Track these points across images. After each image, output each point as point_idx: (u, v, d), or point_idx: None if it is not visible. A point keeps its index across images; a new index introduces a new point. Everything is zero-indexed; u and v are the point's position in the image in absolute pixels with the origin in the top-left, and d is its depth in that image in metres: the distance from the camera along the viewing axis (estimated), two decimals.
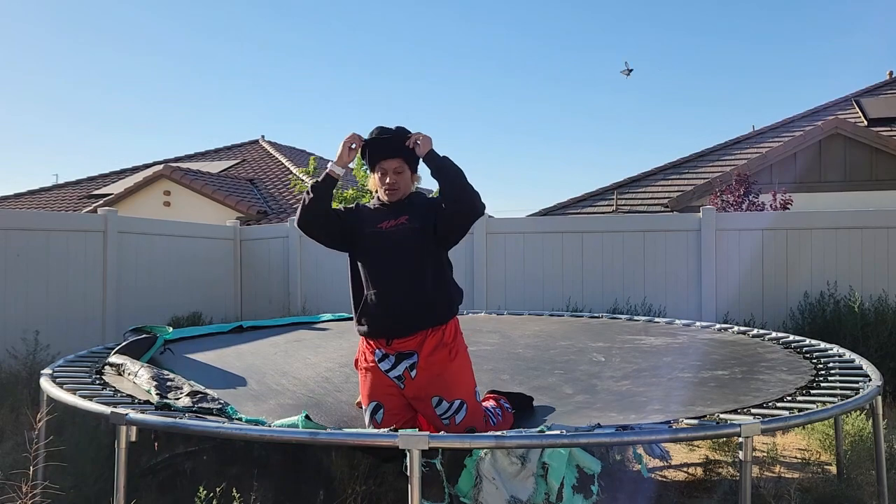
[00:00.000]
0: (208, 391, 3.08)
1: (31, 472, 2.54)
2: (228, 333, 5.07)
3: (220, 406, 2.86)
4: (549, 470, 2.28)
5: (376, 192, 2.90)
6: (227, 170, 16.57)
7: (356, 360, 2.98)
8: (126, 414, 2.46)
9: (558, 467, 2.28)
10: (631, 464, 3.69)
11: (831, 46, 47.99)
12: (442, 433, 2.35)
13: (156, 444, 2.89)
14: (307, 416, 2.50)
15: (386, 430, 2.36)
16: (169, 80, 54.14)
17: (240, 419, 2.74)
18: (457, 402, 2.72)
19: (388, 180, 2.81)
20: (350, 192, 9.03)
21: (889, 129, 12.47)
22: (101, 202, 14.02)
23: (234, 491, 2.63)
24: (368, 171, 2.96)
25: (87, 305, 6.58)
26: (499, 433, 2.35)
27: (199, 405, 2.84)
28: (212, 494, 2.58)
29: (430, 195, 3.34)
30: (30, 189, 18.22)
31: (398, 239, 2.77)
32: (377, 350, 2.83)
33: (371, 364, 2.83)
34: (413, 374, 2.75)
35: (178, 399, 2.89)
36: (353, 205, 3.04)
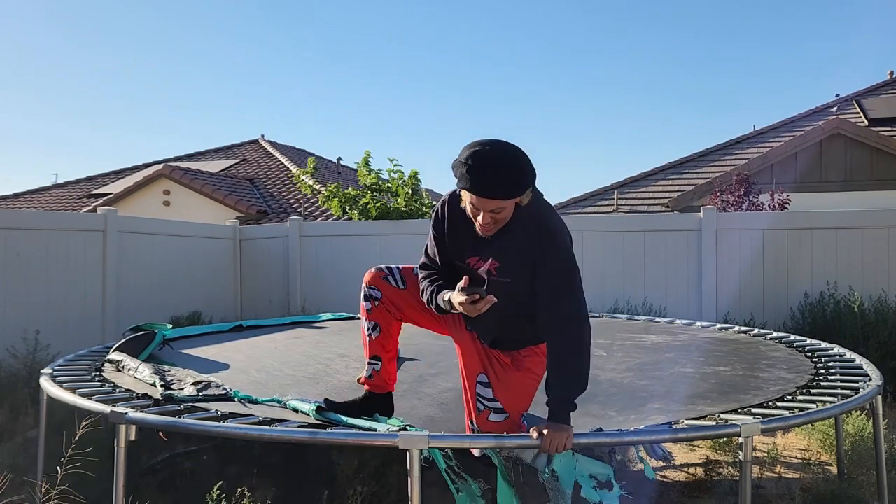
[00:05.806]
0: (212, 378, 3.08)
1: (59, 476, 2.51)
2: (228, 332, 5.08)
3: (224, 392, 2.86)
4: (559, 479, 2.27)
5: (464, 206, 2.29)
6: (226, 169, 16.56)
7: None
8: (126, 413, 2.45)
9: (566, 476, 2.26)
10: (631, 464, 3.69)
11: (831, 46, 48.03)
12: (442, 433, 2.34)
13: (160, 434, 2.86)
14: (318, 409, 2.50)
15: (387, 429, 2.35)
16: (168, 79, 54.17)
17: (254, 401, 2.75)
18: (499, 405, 2.47)
19: (481, 220, 2.22)
20: (350, 191, 9.01)
21: (890, 128, 12.46)
22: (101, 202, 14.02)
23: (236, 490, 2.62)
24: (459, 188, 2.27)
25: (87, 305, 6.57)
26: (499, 434, 2.35)
27: (204, 392, 2.84)
28: (223, 495, 2.56)
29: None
30: (29, 189, 18.23)
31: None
32: None
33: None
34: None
35: (181, 389, 2.89)
36: (443, 223, 2.40)
